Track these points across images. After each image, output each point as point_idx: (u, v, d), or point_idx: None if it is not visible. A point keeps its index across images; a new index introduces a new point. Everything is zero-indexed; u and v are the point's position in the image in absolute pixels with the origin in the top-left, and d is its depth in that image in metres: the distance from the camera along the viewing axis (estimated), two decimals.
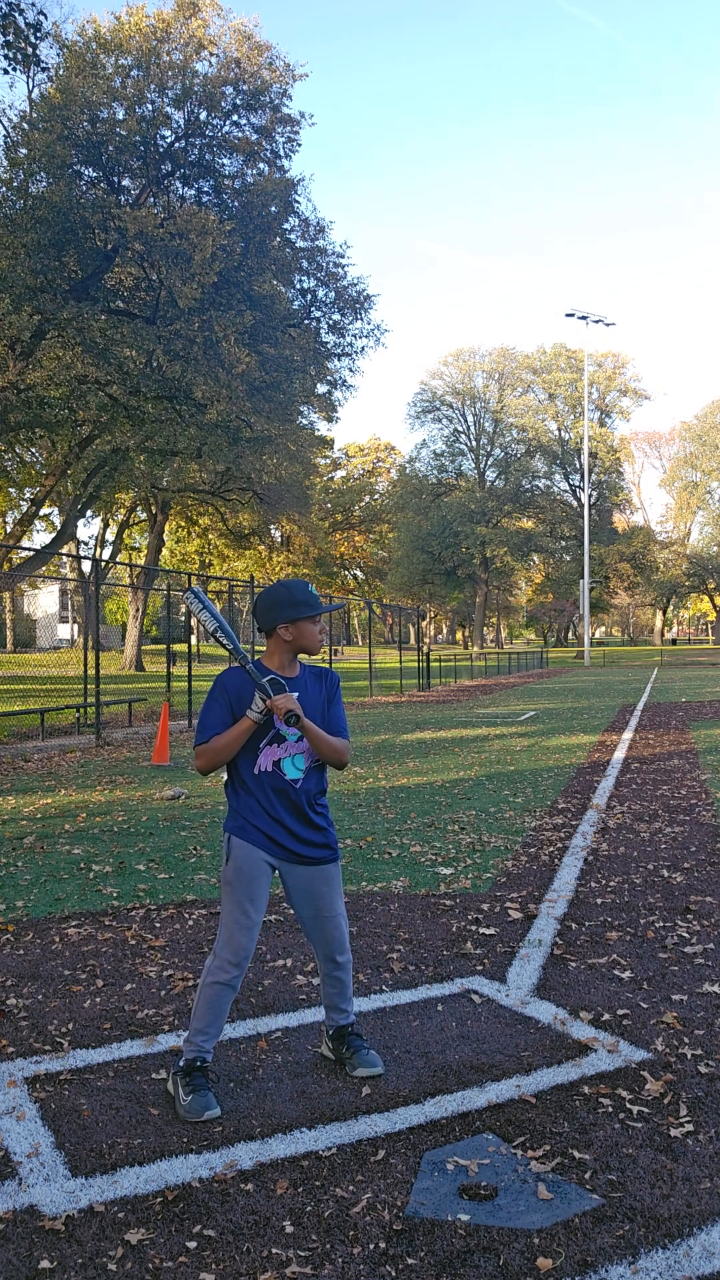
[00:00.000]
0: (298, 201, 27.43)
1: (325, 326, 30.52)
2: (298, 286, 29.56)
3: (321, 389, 34.28)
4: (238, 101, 26.03)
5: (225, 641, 3.33)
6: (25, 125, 23.51)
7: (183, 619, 49.45)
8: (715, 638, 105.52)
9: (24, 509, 39.46)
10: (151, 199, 25.86)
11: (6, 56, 19.34)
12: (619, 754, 12.89)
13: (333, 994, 3.43)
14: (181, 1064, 3.21)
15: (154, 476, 38.79)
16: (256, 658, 3.38)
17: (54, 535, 39.75)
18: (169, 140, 25.51)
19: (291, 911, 5.35)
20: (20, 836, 7.57)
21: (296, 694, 3.25)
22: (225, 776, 3.36)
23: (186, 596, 3.43)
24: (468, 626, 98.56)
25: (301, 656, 3.33)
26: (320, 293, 29.85)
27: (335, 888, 3.36)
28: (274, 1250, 2.41)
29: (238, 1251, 2.41)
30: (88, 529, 60.70)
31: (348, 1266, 2.34)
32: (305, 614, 3.24)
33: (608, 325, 65.71)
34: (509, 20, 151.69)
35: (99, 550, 55.22)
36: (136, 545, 60.04)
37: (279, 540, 65.07)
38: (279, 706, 3.09)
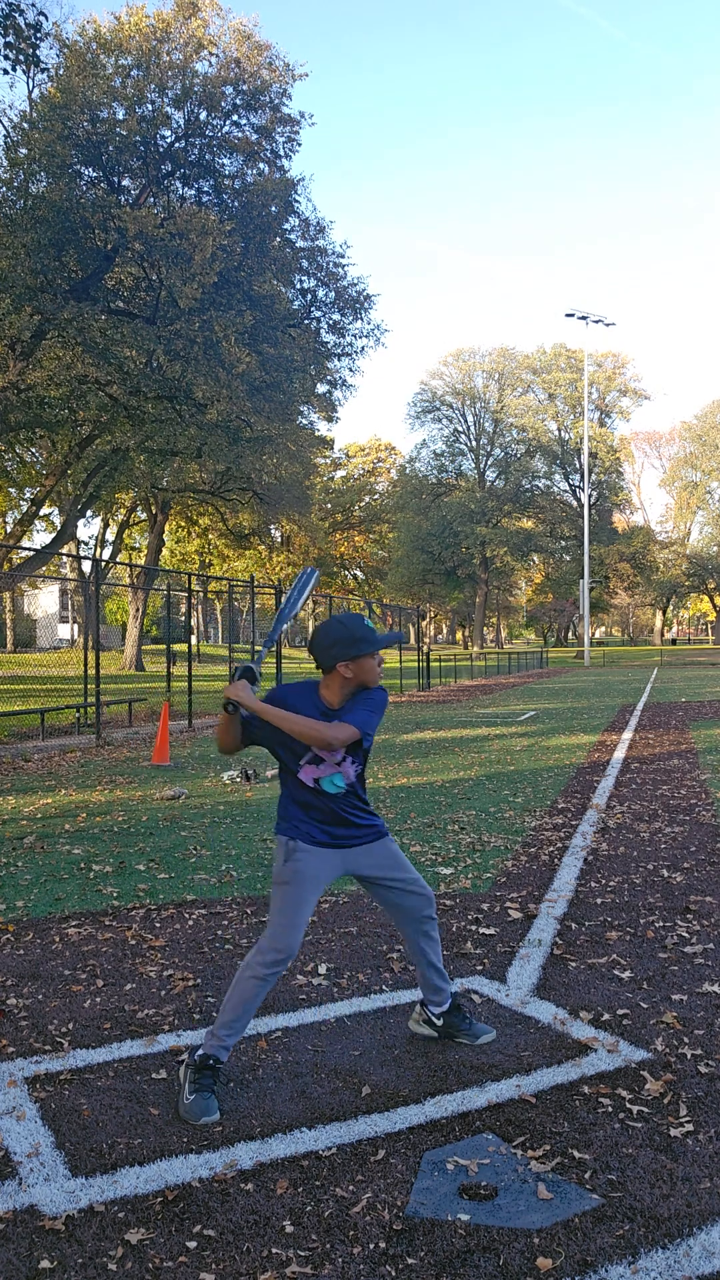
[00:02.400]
0: (298, 201, 27.46)
1: (325, 326, 30.54)
2: (298, 286, 29.58)
3: (321, 389, 34.29)
4: (238, 101, 26.04)
5: (276, 629, 3.54)
6: (25, 125, 23.51)
7: (182, 619, 49.47)
8: (715, 638, 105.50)
9: (24, 509, 39.48)
10: (151, 199, 25.87)
11: (7, 56, 19.32)
12: (619, 754, 12.89)
13: (433, 957, 3.55)
14: (197, 1057, 3.22)
15: (154, 476, 38.79)
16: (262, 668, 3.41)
17: (54, 535, 39.76)
18: (169, 140, 25.52)
19: None
20: (20, 836, 7.57)
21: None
22: (281, 789, 3.43)
23: (303, 576, 3.60)
24: (468, 626, 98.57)
25: None
26: (320, 293, 29.87)
27: (398, 858, 3.47)
28: (274, 1250, 2.41)
29: (238, 1251, 2.41)
30: (88, 529, 60.74)
31: (348, 1266, 2.35)
32: (365, 650, 3.24)
33: (608, 325, 65.71)
34: (510, 21, 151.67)
35: (99, 550, 55.25)
36: (136, 545, 60.04)
37: (279, 540, 65.08)
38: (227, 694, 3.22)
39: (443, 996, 3.59)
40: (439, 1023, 3.60)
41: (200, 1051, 3.23)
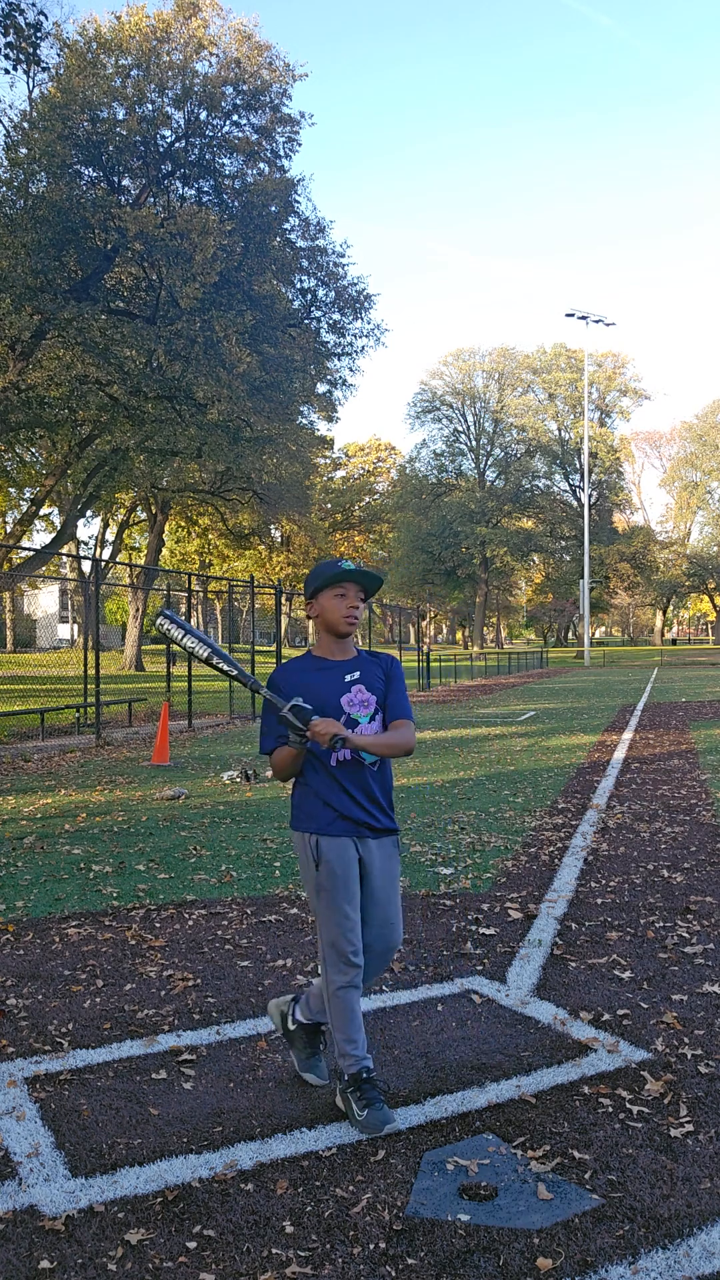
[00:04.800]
0: (298, 201, 27.49)
1: (325, 326, 30.58)
2: (298, 286, 29.60)
3: (321, 389, 34.33)
4: (238, 101, 26.06)
5: (223, 666, 3.10)
6: (25, 125, 23.53)
7: (182, 619, 49.35)
8: (715, 638, 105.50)
9: (24, 509, 39.49)
10: (151, 199, 25.88)
11: (7, 56, 19.36)
12: (619, 754, 12.89)
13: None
14: (347, 1078, 3.05)
15: (154, 476, 38.79)
16: (279, 664, 3.25)
17: (54, 535, 39.78)
18: (169, 140, 25.52)
19: (294, 911, 5.35)
20: (20, 836, 7.57)
21: (354, 683, 3.05)
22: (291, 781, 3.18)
23: (160, 623, 3.14)
24: (468, 626, 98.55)
25: (363, 644, 3.19)
26: (320, 292, 29.90)
27: (399, 866, 3.23)
28: (274, 1250, 2.41)
29: (238, 1251, 2.41)
30: (88, 529, 60.68)
31: (348, 1266, 2.34)
32: (315, 584, 3.06)
33: (608, 325, 65.76)
34: (513, 21, 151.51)
35: (99, 550, 55.21)
36: (136, 545, 60.01)
37: (279, 540, 65.08)
38: (321, 734, 2.89)
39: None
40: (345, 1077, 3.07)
41: (346, 1075, 3.05)
